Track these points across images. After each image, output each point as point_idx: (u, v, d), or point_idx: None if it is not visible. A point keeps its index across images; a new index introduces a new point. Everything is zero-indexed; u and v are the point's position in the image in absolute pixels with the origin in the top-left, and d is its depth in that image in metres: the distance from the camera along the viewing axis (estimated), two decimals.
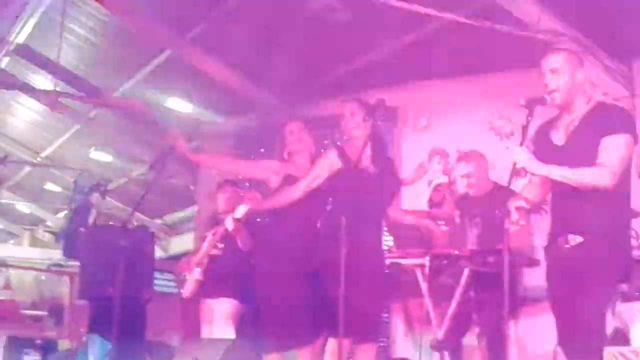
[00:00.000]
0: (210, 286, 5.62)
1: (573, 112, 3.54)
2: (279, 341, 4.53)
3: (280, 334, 4.50)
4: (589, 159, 3.39)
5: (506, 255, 3.30)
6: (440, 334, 4.86)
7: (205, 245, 5.66)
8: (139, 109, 8.82)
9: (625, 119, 3.53)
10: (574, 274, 3.43)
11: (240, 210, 4.84)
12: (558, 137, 3.58)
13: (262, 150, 7.52)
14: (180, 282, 5.84)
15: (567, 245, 3.47)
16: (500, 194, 4.91)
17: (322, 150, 4.69)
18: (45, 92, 8.88)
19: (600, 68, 5.39)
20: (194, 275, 5.65)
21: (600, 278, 3.38)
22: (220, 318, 5.54)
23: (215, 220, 5.80)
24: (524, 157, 3.39)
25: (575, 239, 3.44)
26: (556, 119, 3.64)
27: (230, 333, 5.41)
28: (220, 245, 5.57)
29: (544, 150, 3.57)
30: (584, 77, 3.57)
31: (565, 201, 3.53)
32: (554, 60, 3.53)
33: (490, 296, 4.79)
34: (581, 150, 3.44)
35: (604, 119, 3.46)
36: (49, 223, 17.67)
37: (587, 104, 3.55)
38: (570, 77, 3.50)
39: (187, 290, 5.73)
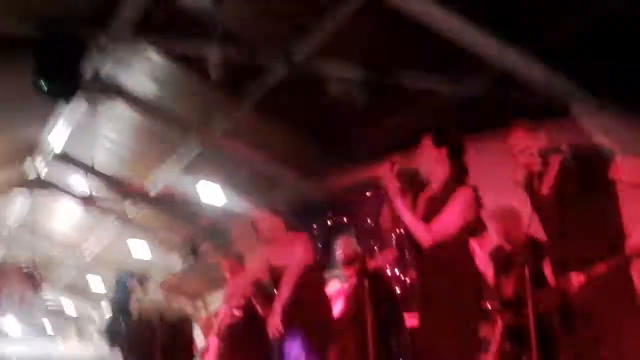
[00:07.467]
0: None
1: None
2: None
3: None
4: None
5: (529, 307, 3.33)
6: None
7: None
8: (176, 198, 9.01)
9: None
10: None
11: None
12: None
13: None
14: None
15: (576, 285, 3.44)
16: (532, 247, 4.97)
17: None
18: (83, 197, 9.17)
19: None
20: None
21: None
22: None
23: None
24: None
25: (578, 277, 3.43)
26: None
27: None
28: None
29: None
30: None
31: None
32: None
33: (527, 347, 4.77)
34: None
35: None
36: (96, 319, 17.88)
37: None
38: None
39: None
